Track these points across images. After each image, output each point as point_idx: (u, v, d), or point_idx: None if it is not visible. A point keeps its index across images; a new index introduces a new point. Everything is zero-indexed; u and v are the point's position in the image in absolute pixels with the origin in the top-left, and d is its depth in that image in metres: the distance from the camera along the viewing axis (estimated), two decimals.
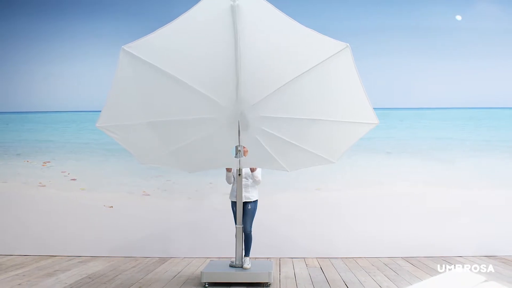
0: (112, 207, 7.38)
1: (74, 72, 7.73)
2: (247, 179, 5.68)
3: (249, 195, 5.66)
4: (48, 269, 6.20)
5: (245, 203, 5.60)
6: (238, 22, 3.66)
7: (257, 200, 5.74)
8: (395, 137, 7.35)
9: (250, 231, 5.57)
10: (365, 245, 7.02)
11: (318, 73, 4.16)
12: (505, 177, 7.24)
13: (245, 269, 5.27)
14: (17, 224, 7.40)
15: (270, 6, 3.69)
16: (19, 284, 5.33)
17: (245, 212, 5.58)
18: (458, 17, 7.50)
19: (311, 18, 7.34)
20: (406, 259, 6.81)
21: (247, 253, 5.49)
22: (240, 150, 5.05)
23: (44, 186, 7.50)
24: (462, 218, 7.11)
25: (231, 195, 5.77)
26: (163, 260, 6.88)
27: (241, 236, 5.46)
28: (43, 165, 7.57)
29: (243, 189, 5.58)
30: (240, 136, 4.80)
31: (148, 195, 7.37)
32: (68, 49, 7.76)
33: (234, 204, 5.65)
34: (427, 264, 6.39)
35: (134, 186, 7.39)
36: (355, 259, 6.80)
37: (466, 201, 7.16)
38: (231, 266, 5.42)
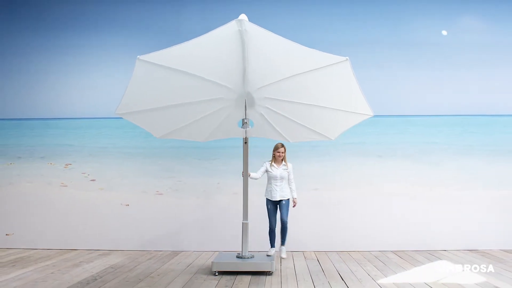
0: (128, 205, 8.02)
1: (91, 82, 8.35)
2: (281, 181, 6.47)
3: (284, 193, 6.50)
4: (73, 261, 6.89)
5: (281, 200, 6.51)
6: (246, 35, 4.31)
7: (289, 199, 6.58)
8: (386, 142, 7.97)
9: (287, 221, 6.46)
10: (358, 239, 7.63)
11: (320, 73, 4.82)
12: (486, 178, 7.85)
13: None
14: (41, 221, 8.05)
15: (273, 35, 4.34)
16: (52, 273, 6.03)
17: (281, 206, 6.48)
18: (444, 32, 8.12)
19: (308, 30, 8.03)
20: (395, 252, 7.46)
21: (283, 243, 6.38)
22: (246, 122, 5.83)
23: (66, 186, 8.15)
24: (446, 215, 7.73)
25: (266, 193, 6.59)
26: (175, 253, 7.55)
27: (247, 231, 6.15)
28: (65, 167, 8.21)
29: (278, 190, 6.46)
30: (247, 111, 5.60)
31: (161, 194, 8.02)
32: (85, 60, 8.38)
33: (268, 202, 6.51)
34: (413, 257, 7.05)
35: (148, 186, 8.04)
36: (348, 252, 7.43)
37: (450, 200, 7.78)
38: (237, 257, 6.10)
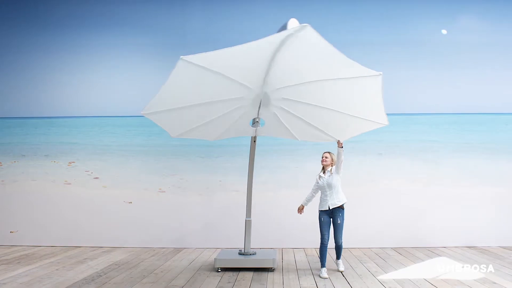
0: (131, 202, 8.12)
1: (95, 80, 8.45)
2: (330, 189, 5.82)
3: (335, 201, 5.79)
4: (78, 257, 6.99)
5: (334, 212, 5.79)
6: (291, 39, 4.29)
7: (344, 209, 5.81)
8: (385, 140, 8.05)
9: (341, 243, 5.82)
10: (358, 236, 7.69)
11: (350, 82, 4.95)
12: (484, 176, 7.95)
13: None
14: (45, 218, 8.15)
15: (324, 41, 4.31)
16: (56, 269, 6.13)
17: (336, 226, 5.76)
18: (444, 31, 8.20)
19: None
20: (395, 249, 7.56)
21: (338, 257, 5.95)
22: (257, 121, 5.89)
23: (70, 184, 8.25)
24: (446, 212, 7.83)
25: (319, 204, 5.94)
26: (177, 250, 7.65)
27: (250, 228, 6.24)
28: (68, 165, 8.31)
29: (329, 198, 5.78)
30: (260, 111, 5.68)
31: (164, 192, 8.12)
32: (89, 59, 8.49)
33: (321, 213, 5.82)
34: (413, 254, 7.15)
35: (151, 183, 8.14)
36: (349, 249, 7.50)
37: (450, 197, 7.87)
38: (240, 254, 6.20)
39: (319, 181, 5.97)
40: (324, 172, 6.00)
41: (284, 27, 4.65)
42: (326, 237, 5.78)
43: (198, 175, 8.08)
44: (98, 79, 8.44)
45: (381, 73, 4.72)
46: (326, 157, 5.99)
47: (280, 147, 7.96)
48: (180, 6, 8.40)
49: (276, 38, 4.26)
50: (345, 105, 5.43)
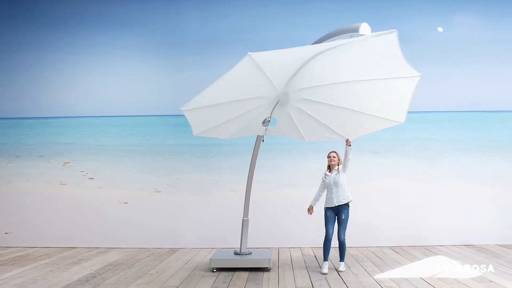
0: (126, 203, 8.08)
1: (90, 80, 8.40)
2: (337, 186, 5.90)
3: (341, 199, 5.88)
4: (73, 258, 6.94)
5: (340, 209, 5.90)
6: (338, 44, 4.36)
7: (349, 207, 5.91)
8: (382, 138, 7.96)
9: (344, 239, 5.87)
10: (355, 235, 7.48)
11: (379, 83, 4.95)
12: (482, 174, 7.92)
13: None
14: (40, 219, 8.10)
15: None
16: (51, 271, 6.09)
17: (340, 222, 5.87)
18: (440, 29, 8.17)
19: (302, 29, 8.07)
20: (392, 248, 7.53)
21: (342, 259, 5.97)
22: (268, 121, 5.81)
23: (65, 184, 8.21)
24: (443, 211, 7.80)
25: (325, 202, 6.04)
26: (173, 250, 7.61)
27: (247, 228, 6.21)
28: (63, 166, 8.27)
29: (335, 196, 5.87)
30: (274, 110, 5.62)
31: (159, 191, 8.08)
32: (84, 58, 8.43)
33: (327, 209, 5.94)
34: (410, 252, 7.12)
35: (147, 183, 8.10)
36: (346, 248, 7.45)
37: (447, 195, 7.85)
38: (235, 253, 6.16)
39: (326, 180, 6.03)
40: (330, 171, 6.06)
41: (350, 31, 4.64)
42: (330, 231, 5.90)
43: (194, 174, 8.04)
44: (94, 78, 8.39)
45: (420, 74, 4.75)
46: (334, 157, 6.05)
47: (277, 146, 7.92)
48: (176, 5, 8.35)
49: (352, 42, 4.32)
50: (367, 105, 5.40)
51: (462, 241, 7.70)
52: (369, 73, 4.91)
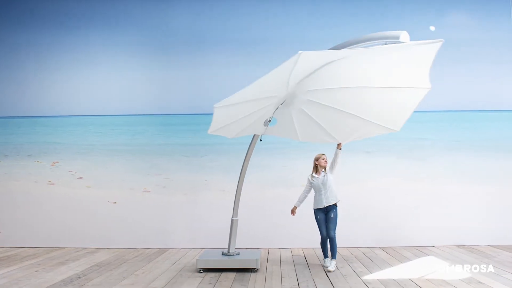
0: (115, 203, 8.00)
1: (79, 80, 8.30)
2: (325, 188, 5.98)
3: (330, 200, 5.99)
4: (60, 259, 6.86)
5: (328, 208, 6.00)
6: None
7: (337, 206, 6.03)
8: (373, 138, 7.73)
9: (334, 236, 5.93)
10: (346, 236, 7.44)
11: (389, 90, 4.97)
12: (473, 173, 7.85)
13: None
14: (28, 219, 8.02)
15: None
16: (36, 271, 6.00)
17: (329, 220, 5.97)
18: (432, 28, 8.11)
19: (298, 27, 7.99)
20: (383, 248, 7.46)
21: (334, 256, 5.96)
22: (269, 121, 5.77)
23: (53, 184, 8.12)
24: (434, 211, 7.73)
25: (313, 204, 6.13)
26: (162, 250, 7.53)
27: (236, 229, 6.16)
28: (52, 165, 8.18)
29: (324, 197, 5.97)
30: (277, 110, 5.59)
31: (149, 191, 8.00)
32: (73, 58, 8.33)
33: (317, 211, 6.05)
34: (401, 253, 7.05)
35: (136, 183, 8.01)
36: (337, 245, 7.39)
37: (438, 195, 7.78)
38: (223, 254, 6.09)
39: (313, 181, 6.09)
40: (316, 172, 6.11)
41: (389, 37, 4.67)
42: (324, 232, 6.05)
43: (183, 174, 7.96)
44: (82, 78, 8.31)
45: (430, 87, 4.81)
46: (326, 159, 6.10)
47: (267, 146, 7.81)
48: (165, 4, 8.26)
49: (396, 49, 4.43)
50: (369, 111, 5.38)
51: (454, 242, 7.63)
52: (382, 80, 4.90)
